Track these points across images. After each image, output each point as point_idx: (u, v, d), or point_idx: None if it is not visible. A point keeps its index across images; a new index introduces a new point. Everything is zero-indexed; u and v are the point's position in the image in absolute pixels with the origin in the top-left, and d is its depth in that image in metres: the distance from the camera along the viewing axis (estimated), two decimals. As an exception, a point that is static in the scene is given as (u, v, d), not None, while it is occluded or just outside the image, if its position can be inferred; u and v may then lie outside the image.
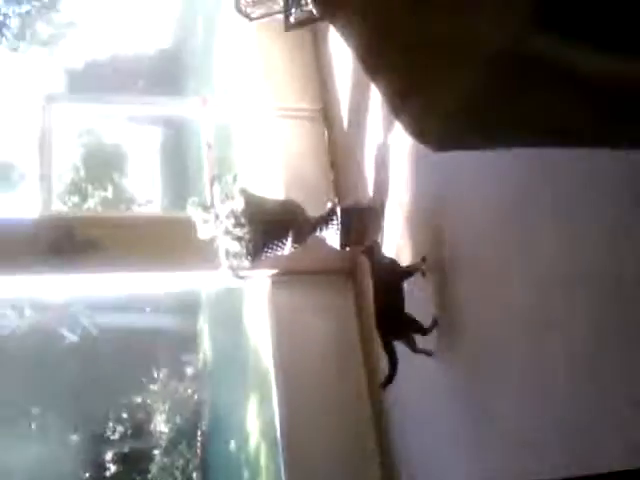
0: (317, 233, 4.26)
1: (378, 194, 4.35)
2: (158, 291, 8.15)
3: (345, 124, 4.92)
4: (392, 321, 3.46)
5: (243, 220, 3.96)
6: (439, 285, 3.60)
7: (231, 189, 4.05)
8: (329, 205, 4.31)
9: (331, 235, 4.25)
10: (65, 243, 4.39)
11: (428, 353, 3.49)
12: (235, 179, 4.11)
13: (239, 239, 3.90)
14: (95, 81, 13.15)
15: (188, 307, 12.23)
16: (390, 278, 3.53)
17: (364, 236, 4.29)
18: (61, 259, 4.28)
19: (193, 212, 4.11)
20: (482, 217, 3.25)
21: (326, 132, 5.18)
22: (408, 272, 3.61)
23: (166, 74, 12.37)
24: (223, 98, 6.86)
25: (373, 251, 3.69)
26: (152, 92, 12.66)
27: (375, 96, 4.41)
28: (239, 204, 4.00)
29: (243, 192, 4.04)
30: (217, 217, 4.02)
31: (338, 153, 5.05)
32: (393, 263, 3.70)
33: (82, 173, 15.87)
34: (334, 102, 5.06)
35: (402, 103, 1.75)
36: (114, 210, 13.21)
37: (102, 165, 15.81)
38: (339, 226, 4.19)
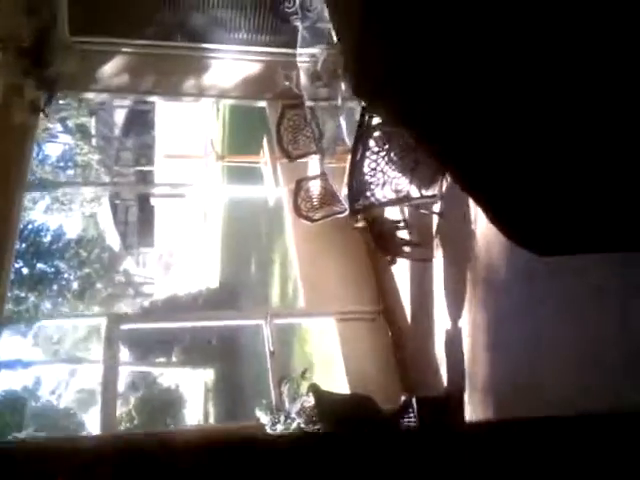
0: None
1: (453, 382, 4.15)
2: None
3: (409, 319, 4.87)
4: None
5: (315, 417, 3.78)
6: None
7: (300, 386, 3.93)
8: (403, 398, 4.12)
9: (408, 430, 4.00)
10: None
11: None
12: (304, 376, 4.01)
13: (313, 436, 3.69)
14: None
15: None
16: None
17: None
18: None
19: (262, 415, 3.95)
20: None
21: (389, 331, 5.13)
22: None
23: (224, 301, 12.73)
24: (283, 309, 6.96)
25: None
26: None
27: (437, 290, 4.44)
28: (309, 401, 3.86)
29: (313, 387, 3.91)
30: (287, 416, 3.85)
31: (404, 350, 4.94)
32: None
33: (136, 422, 15.74)
34: (394, 301, 5.06)
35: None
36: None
37: (156, 411, 15.73)
38: (416, 419, 3.96)
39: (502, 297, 3.69)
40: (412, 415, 4.00)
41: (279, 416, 3.86)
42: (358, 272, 5.38)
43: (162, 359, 14.92)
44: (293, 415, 3.79)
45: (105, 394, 4.61)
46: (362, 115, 3.29)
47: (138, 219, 25.40)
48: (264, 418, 3.90)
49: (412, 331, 4.85)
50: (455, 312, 4.21)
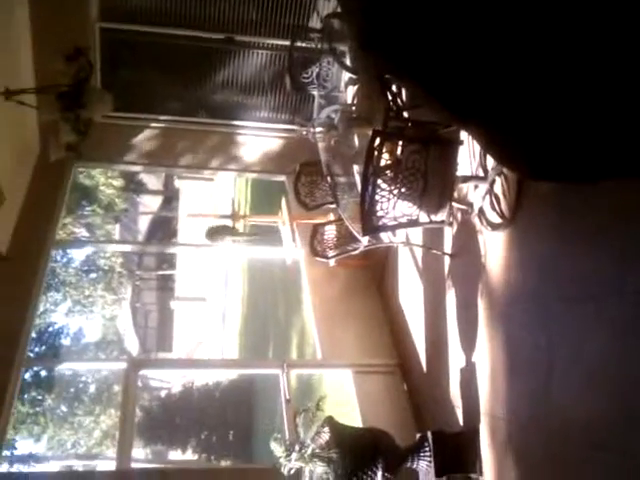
0: (408, 464, 3.98)
1: (469, 419, 4.13)
2: None
3: (424, 368, 4.89)
4: None
5: (331, 445, 3.77)
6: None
7: (315, 416, 3.93)
8: (418, 435, 4.09)
9: (424, 465, 3.95)
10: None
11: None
12: (319, 407, 4.00)
13: (328, 461, 3.66)
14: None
15: None
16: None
17: (460, 463, 3.97)
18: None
19: (276, 447, 3.93)
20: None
21: (405, 383, 5.13)
22: None
23: (241, 389, 12.56)
24: (300, 360, 6.96)
25: None
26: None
27: (451, 332, 4.49)
28: (325, 430, 3.85)
29: (329, 419, 3.91)
30: (302, 446, 3.83)
31: (421, 399, 4.93)
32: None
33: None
34: (410, 352, 5.10)
35: None
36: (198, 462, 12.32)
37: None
38: (432, 453, 3.93)
39: (515, 332, 3.75)
40: (428, 450, 3.97)
41: (293, 446, 3.84)
42: (374, 326, 5.45)
43: (178, 451, 14.60)
44: (308, 442, 3.78)
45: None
46: (370, 155, 3.49)
47: (157, 323, 25.55)
48: (278, 450, 3.87)
49: (428, 379, 4.86)
50: (468, 350, 4.25)
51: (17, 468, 14.38)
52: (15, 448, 15.56)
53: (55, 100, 4.01)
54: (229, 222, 6.59)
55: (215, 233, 6.29)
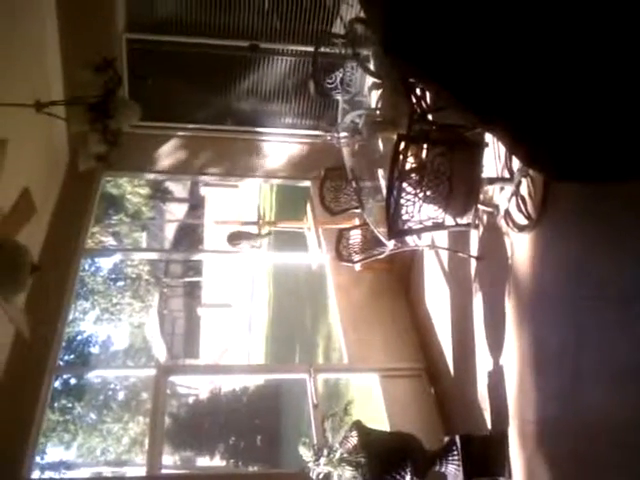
0: (436, 468, 3.97)
1: (497, 422, 4.11)
2: None
3: (452, 371, 4.88)
4: None
5: (359, 449, 3.77)
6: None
7: (343, 420, 3.94)
8: (446, 439, 4.08)
9: (452, 469, 3.94)
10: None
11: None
12: (346, 411, 4.02)
13: (356, 465, 3.67)
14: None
15: None
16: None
17: (489, 467, 3.95)
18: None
19: (305, 452, 3.95)
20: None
21: (432, 387, 5.12)
22: None
23: (268, 395, 12.58)
24: (326, 364, 6.97)
25: None
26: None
27: (478, 334, 4.48)
28: (353, 434, 3.86)
29: (356, 423, 3.92)
30: (330, 450, 3.84)
31: (448, 403, 4.91)
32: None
33: None
34: (437, 356, 5.09)
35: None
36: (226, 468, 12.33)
37: None
38: (461, 457, 3.91)
39: (543, 333, 3.72)
40: (456, 453, 3.95)
41: (322, 451, 3.85)
42: (400, 330, 5.45)
43: (206, 457, 14.69)
44: (336, 446, 3.79)
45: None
46: (395, 159, 3.50)
47: (184, 330, 25.73)
48: (306, 454, 3.89)
49: (455, 382, 4.84)
50: (496, 353, 4.23)
51: (48, 475, 14.60)
52: (46, 454, 15.81)
53: (84, 111, 4.05)
54: (254, 229, 6.65)
55: (236, 238, 6.40)
